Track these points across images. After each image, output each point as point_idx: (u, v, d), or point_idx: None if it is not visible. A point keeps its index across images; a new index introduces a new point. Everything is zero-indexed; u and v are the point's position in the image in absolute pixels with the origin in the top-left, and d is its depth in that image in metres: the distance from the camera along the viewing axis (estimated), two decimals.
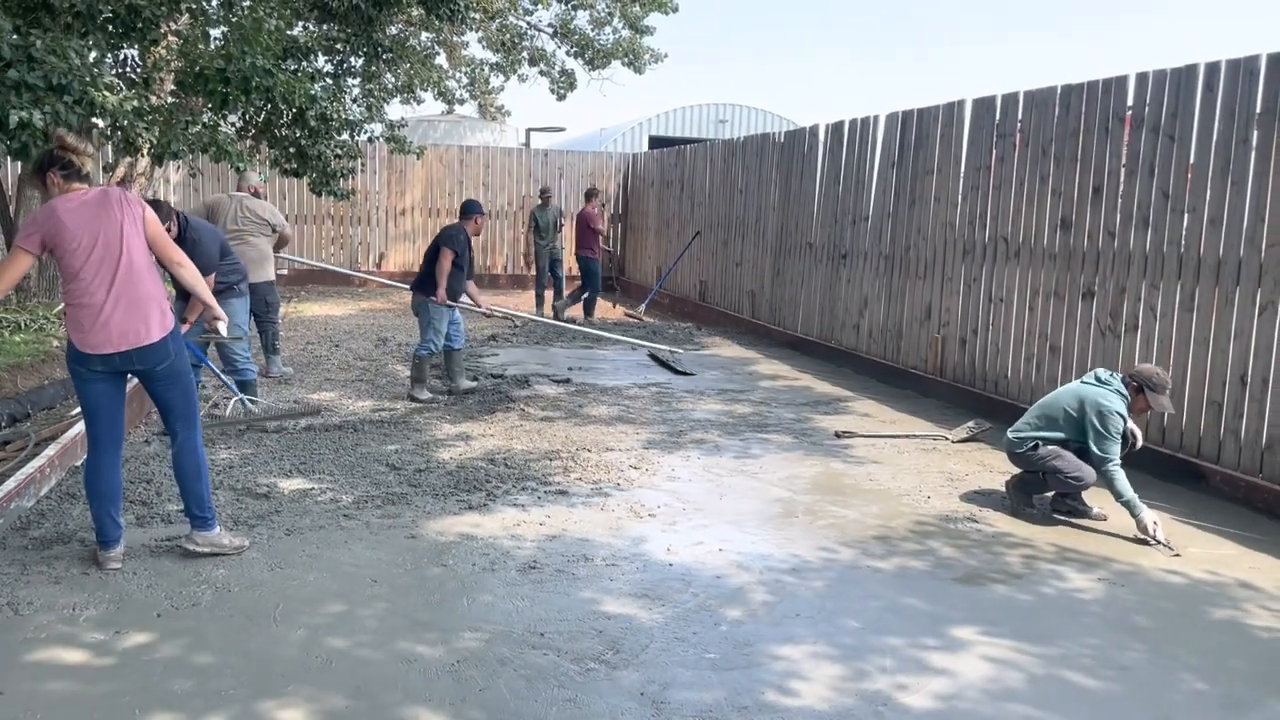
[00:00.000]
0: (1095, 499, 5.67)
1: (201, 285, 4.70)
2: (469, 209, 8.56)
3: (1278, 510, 5.64)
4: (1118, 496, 5.21)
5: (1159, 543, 5.06)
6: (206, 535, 4.49)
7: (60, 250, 4.18)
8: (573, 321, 12.83)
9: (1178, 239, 6.47)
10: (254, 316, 8.30)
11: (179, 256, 4.59)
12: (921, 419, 7.94)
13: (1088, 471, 5.40)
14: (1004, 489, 5.76)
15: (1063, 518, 5.53)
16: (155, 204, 5.86)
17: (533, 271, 14.36)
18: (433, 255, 8.19)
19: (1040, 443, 5.53)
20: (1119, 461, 5.28)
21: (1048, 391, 7.47)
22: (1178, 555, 4.98)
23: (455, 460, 6.24)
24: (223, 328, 5.31)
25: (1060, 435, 5.50)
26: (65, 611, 3.91)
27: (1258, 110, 5.94)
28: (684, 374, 9.63)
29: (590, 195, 14.05)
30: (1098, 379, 5.52)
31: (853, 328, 10.25)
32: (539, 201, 14.24)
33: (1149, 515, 5.14)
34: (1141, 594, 4.49)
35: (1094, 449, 5.31)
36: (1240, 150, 6.05)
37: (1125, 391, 5.43)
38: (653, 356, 10.48)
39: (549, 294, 14.02)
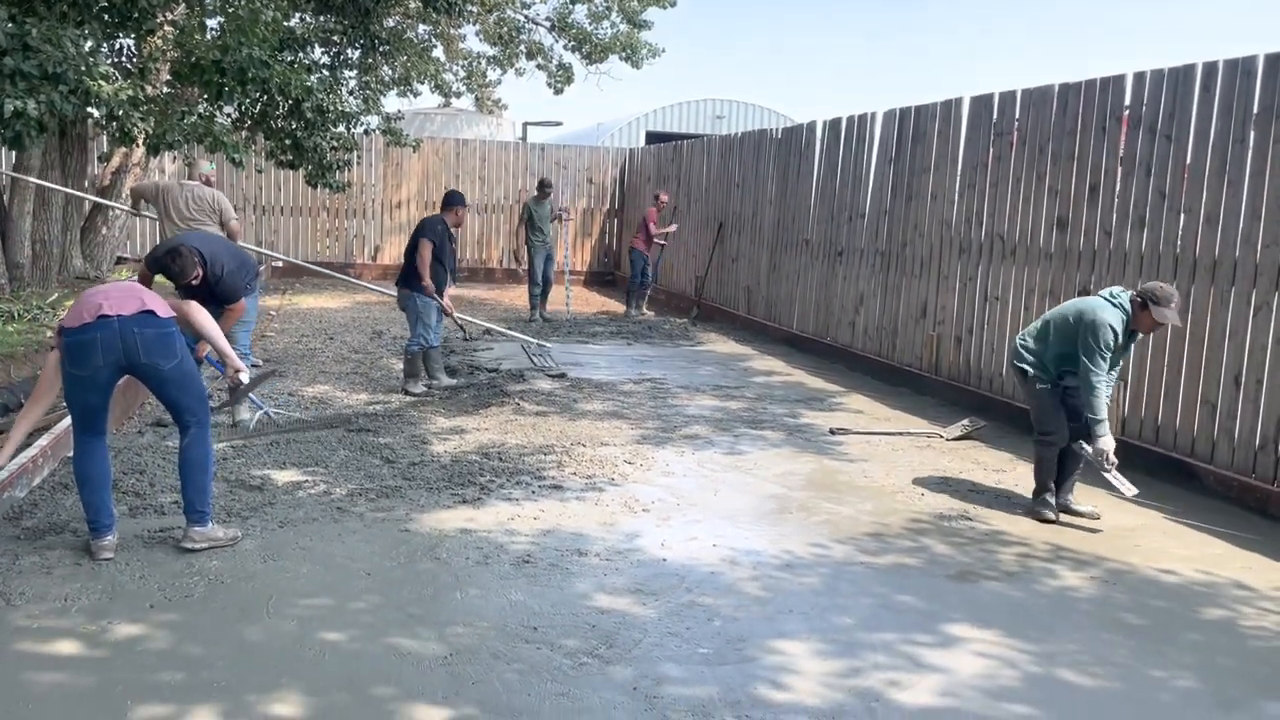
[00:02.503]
0: (1090, 498, 5.67)
1: (221, 340, 4.93)
2: (450, 200, 8.44)
3: (1270, 509, 5.66)
4: (1089, 412, 5.18)
5: (1110, 475, 5.10)
6: (203, 531, 4.47)
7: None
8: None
9: (1174, 239, 6.48)
10: None
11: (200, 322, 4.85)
12: (916, 416, 7.94)
13: (1056, 430, 5.42)
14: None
15: (1048, 516, 5.52)
16: (174, 253, 5.32)
17: (524, 268, 12.99)
18: (413, 249, 8.14)
19: (1031, 369, 5.50)
20: (1103, 378, 5.19)
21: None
22: (1130, 498, 5.05)
23: (449, 454, 6.23)
24: (244, 377, 5.16)
25: (1055, 350, 5.40)
26: (57, 602, 3.90)
27: (1255, 110, 5.95)
28: (551, 369, 9.25)
29: (657, 196, 14.03)
30: (1105, 295, 5.35)
31: (848, 325, 10.25)
32: (534, 194, 13.30)
33: (1108, 443, 5.13)
34: (1134, 592, 4.50)
35: (1080, 358, 5.23)
36: (1237, 150, 6.06)
37: (1129, 307, 5.25)
38: (524, 349, 10.30)
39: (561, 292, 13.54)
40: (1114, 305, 5.26)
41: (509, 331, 11.02)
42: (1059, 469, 5.51)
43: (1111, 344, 5.20)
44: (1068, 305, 5.54)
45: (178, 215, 8.04)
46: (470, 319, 11.43)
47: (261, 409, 6.74)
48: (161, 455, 5.87)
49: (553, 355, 10.00)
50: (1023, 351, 5.58)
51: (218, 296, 5.84)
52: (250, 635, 3.70)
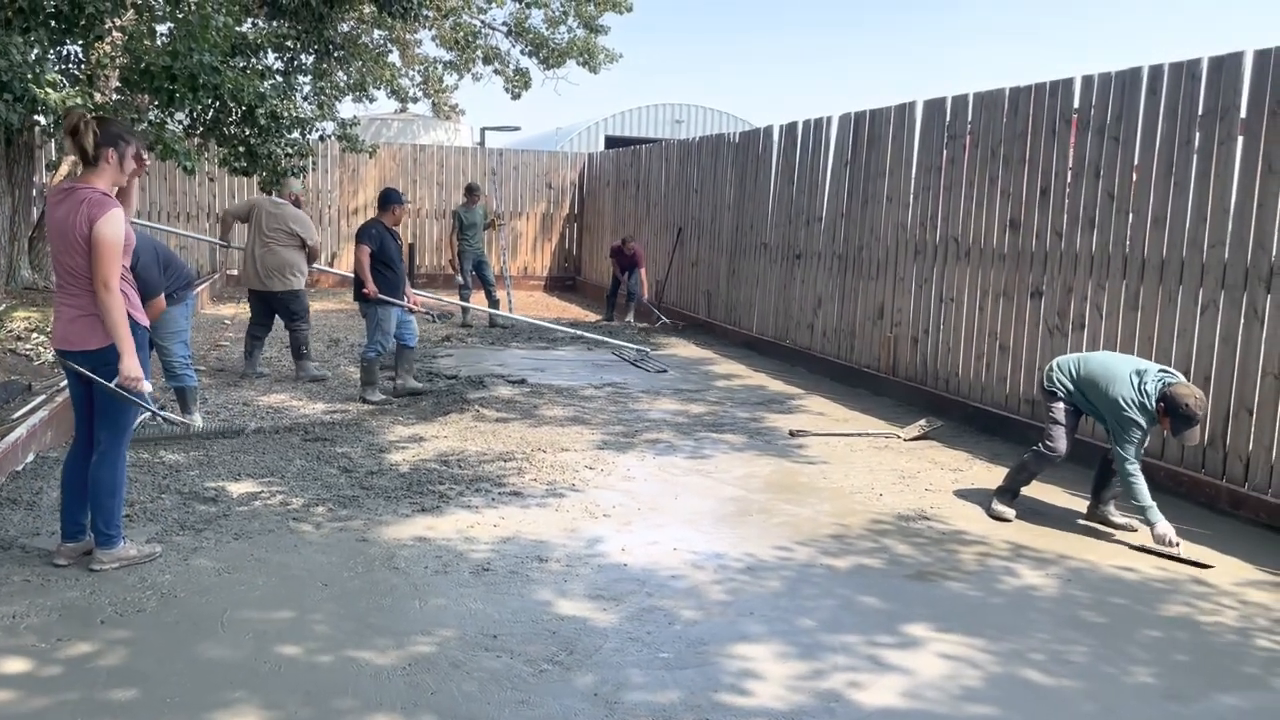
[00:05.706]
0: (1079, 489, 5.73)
1: (124, 329, 4.12)
2: (386, 199, 8.29)
3: (1219, 505, 5.76)
4: (1133, 501, 5.13)
5: (1177, 555, 4.96)
6: (111, 553, 4.34)
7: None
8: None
9: (1123, 239, 6.58)
10: (283, 323, 8.87)
11: (105, 276, 4.08)
12: (874, 417, 8.00)
13: (1061, 449, 5.44)
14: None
15: (1007, 515, 5.57)
16: None
17: (457, 275, 12.99)
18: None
19: (1063, 396, 5.49)
20: (1135, 464, 5.15)
21: (998, 390, 7.59)
22: (1211, 566, 4.89)
23: (408, 462, 6.17)
24: (145, 387, 4.24)
25: (1078, 394, 5.45)
26: (5, 620, 3.81)
27: (1199, 112, 6.06)
28: (659, 371, 9.85)
29: (626, 240, 13.86)
30: (1141, 379, 5.21)
31: (807, 327, 10.31)
32: (463, 200, 13.39)
33: (1164, 528, 5.05)
34: (1093, 590, 4.56)
35: (1114, 447, 5.23)
36: (1183, 152, 6.16)
37: (1154, 409, 5.15)
38: (619, 354, 10.58)
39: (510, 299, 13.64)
40: (1145, 406, 5.15)
41: (608, 339, 11.20)
42: (1101, 476, 5.50)
43: (1140, 438, 5.18)
44: (1102, 371, 5.35)
45: (257, 230, 8.77)
46: (572, 329, 11.51)
47: (150, 410, 6.37)
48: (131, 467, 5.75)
49: (654, 358, 10.34)
50: (1055, 380, 5.56)
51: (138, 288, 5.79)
52: (205, 650, 3.64)
